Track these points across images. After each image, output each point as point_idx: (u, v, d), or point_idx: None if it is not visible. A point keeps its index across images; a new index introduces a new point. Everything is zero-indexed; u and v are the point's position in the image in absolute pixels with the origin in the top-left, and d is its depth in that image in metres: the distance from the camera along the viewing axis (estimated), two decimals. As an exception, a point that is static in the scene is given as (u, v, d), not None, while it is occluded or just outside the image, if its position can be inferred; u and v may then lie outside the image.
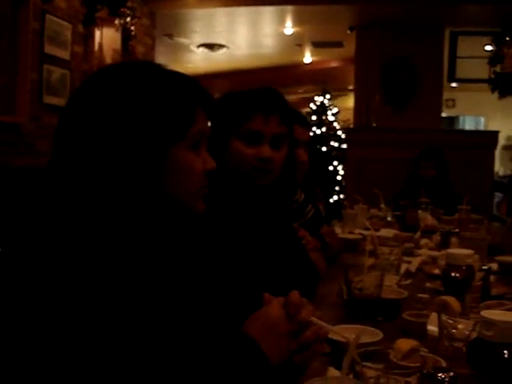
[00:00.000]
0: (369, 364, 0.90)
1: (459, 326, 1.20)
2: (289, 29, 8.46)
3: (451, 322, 1.21)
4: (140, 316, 0.96)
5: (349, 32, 8.11)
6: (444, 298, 1.25)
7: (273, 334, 1.11)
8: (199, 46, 9.51)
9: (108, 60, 5.93)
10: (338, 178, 9.97)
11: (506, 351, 0.85)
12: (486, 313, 0.88)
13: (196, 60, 10.48)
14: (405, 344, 0.91)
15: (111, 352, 0.90)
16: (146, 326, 0.97)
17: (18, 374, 0.88)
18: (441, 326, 1.22)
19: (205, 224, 1.33)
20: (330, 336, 1.23)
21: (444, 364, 1.15)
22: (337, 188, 9.91)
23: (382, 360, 1.00)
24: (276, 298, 1.17)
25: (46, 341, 0.88)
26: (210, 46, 9.44)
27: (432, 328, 1.30)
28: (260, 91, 1.80)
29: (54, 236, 0.96)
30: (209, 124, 1.19)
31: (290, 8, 7.68)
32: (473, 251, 1.64)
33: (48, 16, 5.12)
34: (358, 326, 1.34)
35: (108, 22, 5.89)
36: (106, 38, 5.93)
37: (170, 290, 1.08)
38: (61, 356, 0.87)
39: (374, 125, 7.15)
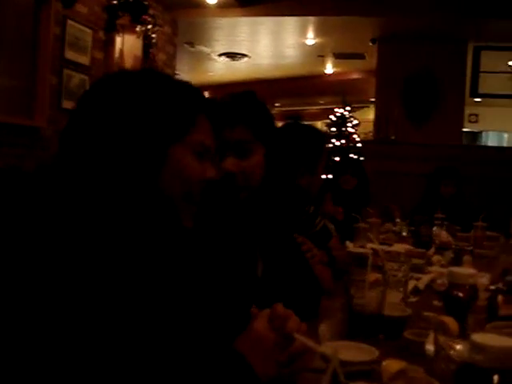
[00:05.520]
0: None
1: (457, 348, 1.17)
2: (311, 40, 8.46)
3: (448, 342, 1.18)
4: (127, 322, 0.95)
5: (371, 44, 8.09)
6: (442, 317, 1.22)
7: (260, 348, 1.11)
8: (221, 55, 9.54)
9: (128, 67, 5.95)
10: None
11: (495, 377, 0.82)
12: (476, 337, 0.85)
13: (217, 69, 10.51)
14: (394, 365, 0.88)
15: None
16: (133, 331, 0.96)
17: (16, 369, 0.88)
18: (437, 346, 1.19)
19: (199, 238, 1.33)
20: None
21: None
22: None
23: (376, 380, 0.97)
24: (262, 311, 1.15)
25: (45, 338, 0.88)
26: (232, 55, 9.46)
27: (430, 348, 1.27)
28: (221, 104, 1.70)
29: (52, 232, 0.96)
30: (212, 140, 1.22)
31: (312, 19, 7.68)
32: (476, 270, 1.60)
33: (69, 21, 5.18)
34: (354, 343, 1.31)
35: (129, 29, 5.93)
36: (127, 45, 5.96)
37: (159, 298, 1.06)
38: (54, 352, 0.88)
39: (393, 138, 7.09)
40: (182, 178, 1.13)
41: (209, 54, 9.48)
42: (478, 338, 0.84)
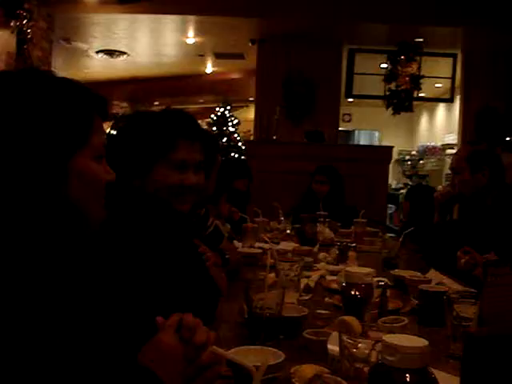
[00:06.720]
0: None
1: (359, 346, 1.21)
2: (191, 38, 8.43)
3: (351, 342, 1.21)
4: (27, 330, 0.92)
5: (250, 44, 8.18)
6: (344, 317, 1.26)
7: (168, 360, 1.06)
8: (98, 52, 9.30)
9: (1, 64, 5.69)
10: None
11: (407, 376, 0.86)
12: (388, 337, 0.88)
13: (95, 66, 10.23)
14: (308, 370, 0.90)
15: None
16: (32, 342, 0.92)
17: None
18: (341, 346, 1.22)
19: (109, 241, 1.30)
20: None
21: (345, 385, 1.15)
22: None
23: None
24: (169, 321, 1.12)
25: None
26: (110, 53, 9.26)
27: (332, 347, 1.30)
28: (179, 116, 1.83)
29: None
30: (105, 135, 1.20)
31: (191, 18, 7.66)
32: (371, 269, 1.67)
33: None
34: (258, 348, 1.32)
35: (3, 24, 5.65)
36: (0, 41, 5.68)
37: (62, 307, 1.02)
38: None
39: (274, 137, 7.22)
40: (88, 184, 1.11)
41: (86, 51, 9.21)
42: (390, 338, 0.87)
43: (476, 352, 0.90)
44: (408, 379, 0.84)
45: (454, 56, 8.21)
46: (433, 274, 2.54)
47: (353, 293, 1.54)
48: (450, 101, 8.92)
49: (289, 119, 7.80)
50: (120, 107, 11.42)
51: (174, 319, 1.12)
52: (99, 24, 7.95)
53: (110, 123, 1.79)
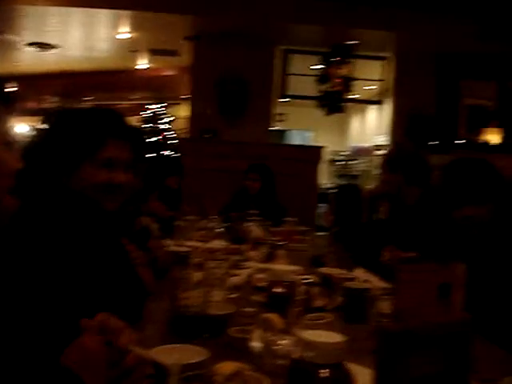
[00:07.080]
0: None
1: (282, 343, 1.23)
2: (124, 34, 8.30)
3: (274, 338, 1.23)
4: None
5: (185, 41, 8.12)
6: (267, 315, 1.27)
7: (91, 363, 1.05)
8: (29, 45, 9.05)
9: None
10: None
11: (325, 370, 0.88)
12: (306, 334, 0.90)
13: (25, 59, 9.95)
14: (227, 367, 0.91)
15: None
16: None
17: None
18: (264, 342, 1.24)
19: (31, 239, 1.27)
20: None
21: (268, 382, 1.17)
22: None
23: (207, 382, 0.99)
24: (93, 323, 1.11)
25: None
26: (41, 45, 9.02)
27: (255, 345, 1.32)
28: (108, 115, 1.81)
29: None
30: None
31: (125, 13, 7.54)
32: (294, 267, 1.70)
33: None
34: (183, 346, 1.32)
35: None
36: None
37: None
38: None
39: (209, 135, 7.21)
40: None
41: (16, 43, 8.94)
42: (308, 335, 0.89)
43: (388, 347, 0.93)
44: (323, 374, 0.86)
45: (385, 59, 8.39)
46: (359, 272, 2.60)
47: (276, 290, 1.56)
48: (378, 103, 9.10)
49: (223, 118, 7.81)
50: (50, 102, 11.13)
51: (98, 321, 1.11)
52: (30, 16, 7.73)
53: (41, 118, 1.77)
